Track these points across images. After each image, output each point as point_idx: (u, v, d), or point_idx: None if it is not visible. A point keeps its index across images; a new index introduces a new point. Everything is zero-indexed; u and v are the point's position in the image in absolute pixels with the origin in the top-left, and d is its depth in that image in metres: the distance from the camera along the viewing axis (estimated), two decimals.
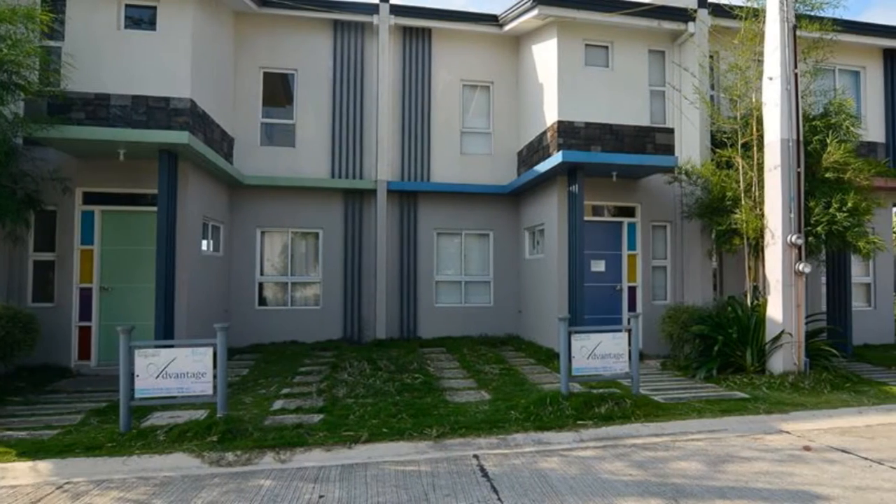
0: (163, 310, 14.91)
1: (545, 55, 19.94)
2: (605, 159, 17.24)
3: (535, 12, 18.71)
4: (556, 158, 16.90)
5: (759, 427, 11.10)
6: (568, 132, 18.87)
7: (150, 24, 16.48)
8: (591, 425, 10.93)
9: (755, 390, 13.70)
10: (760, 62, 16.30)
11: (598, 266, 19.14)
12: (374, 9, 20.92)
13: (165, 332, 14.86)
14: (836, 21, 17.33)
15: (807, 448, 9.81)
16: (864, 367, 16.93)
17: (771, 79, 15.33)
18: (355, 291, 21.10)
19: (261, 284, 20.74)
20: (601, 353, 12.38)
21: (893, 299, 23.22)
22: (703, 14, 19.25)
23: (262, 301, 20.76)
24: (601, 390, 13.00)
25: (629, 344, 12.67)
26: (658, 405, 12.21)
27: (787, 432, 10.80)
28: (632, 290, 19.56)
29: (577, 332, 12.46)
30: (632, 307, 19.44)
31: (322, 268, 21.07)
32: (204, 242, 17.86)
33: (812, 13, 16.75)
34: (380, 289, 20.86)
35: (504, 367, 16.47)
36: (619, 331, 12.69)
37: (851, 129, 16.67)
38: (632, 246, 19.60)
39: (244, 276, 20.40)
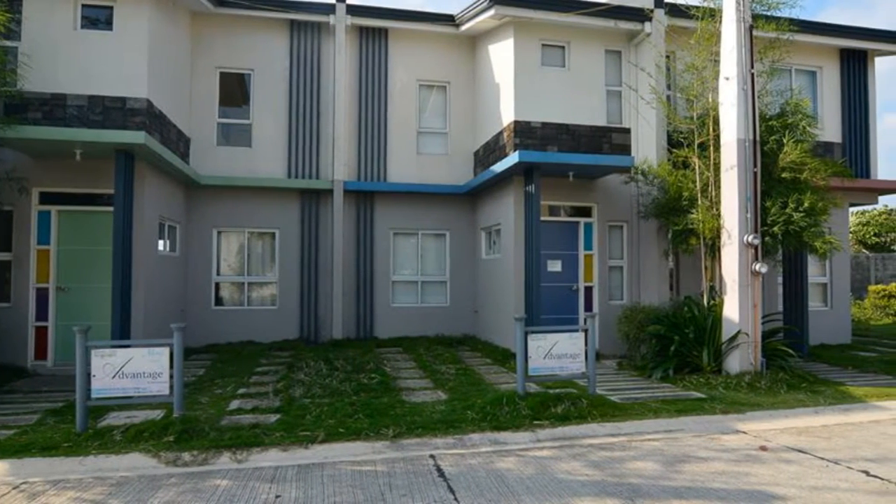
0: (119, 310, 14.80)
1: (502, 55, 19.93)
2: (562, 159, 17.31)
3: (491, 12, 18.67)
4: (513, 158, 16.92)
5: (716, 427, 11.11)
6: (524, 132, 18.86)
7: (107, 24, 16.32)
8: (547, 425, 10.91)
9: (711, 390, 13.74)
10: (717, 62, 16.32)
11: (555, 266, 19.17)
12: (330, 9, 20.83)
13: (122, 332, 14.72)
14: (792, 21, 17.36)
15: (763, 448, 9.83)
16: (821, 368, 17.03)
17: (727, 79, 15.36)
18: (312, 291, 21.02)
19: (217, 284, 20.64)
20: (558, 353, 12.39)
21: (850, 299, 23.40)
22: (659, 14, 19.29)
23: (219, 301, 20.66)
24: (558, 390, 12.98)
25: (585, 344, 12.71)
26: (615, 405, 12.19)
27: (744, 432, 10.82)
28: (588, 290, 19.61)
29: (533, 332, 12.48)
30: (588, 307, 19.48)
31: (279, 268, 20.98)
32: (160, 242, 17.74)
33: (769, 13, 16.82)
34: (336, 289, 20.82)
35: (460, 367, 16.48)
36: (576, 331, 12.70)
37: (808, 129, 16.77)
38: (588, 246, 19.63)
39: (200, 276, 20.30)
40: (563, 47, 19.72)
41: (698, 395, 13.40)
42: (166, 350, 10.55)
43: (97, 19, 16.36)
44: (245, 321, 20.51)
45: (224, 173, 20.37)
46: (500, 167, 18.08)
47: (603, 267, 19.71)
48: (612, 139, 19.79)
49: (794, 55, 19.59)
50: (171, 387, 10.57)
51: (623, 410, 11.90)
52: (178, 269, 19.38)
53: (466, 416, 11.30)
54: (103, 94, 16.00)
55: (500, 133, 19.80)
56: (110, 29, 16.28)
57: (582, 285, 19.55)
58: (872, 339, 23.47)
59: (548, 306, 18.61)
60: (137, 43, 16.27)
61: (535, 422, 11.03)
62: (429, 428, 10.67)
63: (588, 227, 19.70)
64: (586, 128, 19.53)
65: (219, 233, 20.72)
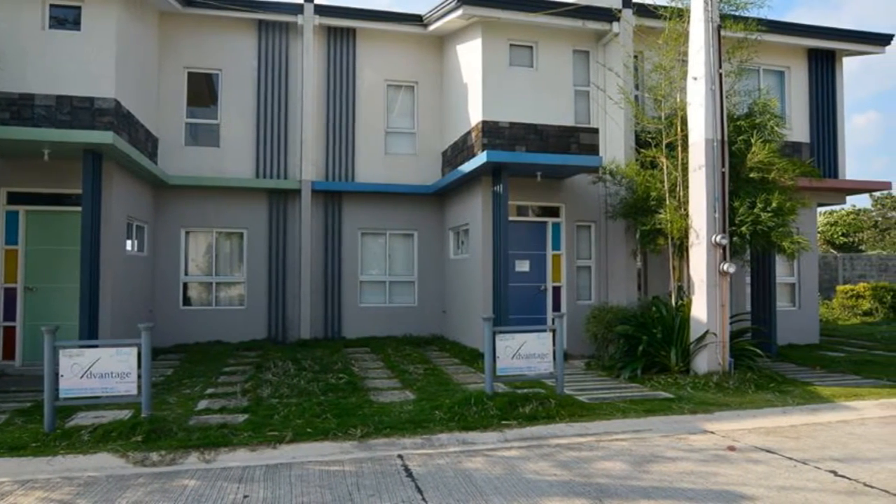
0: (87, 310, 14.78)
1: (470, 55, 19.95)
2: (530, 159, 17.31)
3: (459, 12, 18.63)
4: (481, 158, 16.86)
5: (684, 427, 11.12)
6: (492, 132, 18.90)
7: (75, 24, 16.31)
8: (515, 425, 10.91)
9: (679, 390, 13.76)
10: (685, 62, 16.37)
11: (523, 266, 19.18)
12: (298, 9, 20.79)
13: (90, 332, 14.70)
14: (760, 21, 17.35)
15: (731, 448, 9.84)
16: (789, 367, 17.06)
17: (695, 79, 15.40)
18: (280, 291, 20.98)
19: (185, 284, 20.57)
20: (526, 352, 12.38)
21: (818, 300, 23.52)
22: (627, 14, 19.28)
23: (187, 301, 20.59)
24: (526, 390, 13.04)
25: (554, 344, 12.68)
26: (583, 405, 12.19)
27: (712, 432, 10.82)
28: (556, 290, 19.63)
29: (501, 333, 12.49)
30: (557, 307, 19.48)
31: (247, 268, 20.96)
32: (128, 242, 17.68)
33: (737, 13, 16.92)
34: (304, 289, 20.80)
35: (429, 367, 16.47)
36: (544, 331, 12.72)
37: (776, 129, 16.86)
38: (556, 246, 19.64)
39: (169, 276, 20.22)
40: (531, 47, 19.75)
41: (666, 395, 13.41)
42: (134, 350, 10.50)
43: (65, 19, 16.32)
44: (213, 321, 20.45)
45: (192, 173, 20.27)
46: (468, 167, 18.04)
47: (571, 267, 19.72)
48: (580, 139, 19.86)
49: (762, 55, 19.60)
50: (140, 387, 10.51)
51: (591, 410, 11.90)
52: (146, 269, 19.30)
53: (434, 416, 11.27)
54: (71, 94, 16.00)
55: (469, 133, 19.85)
56: (78, 29, 16.28)
57: (550, 285, 19.55)
58: (840, 339, 23.61)
59: (516, 306, 18.61)
60: (105, 43, 16.25)
61: (504, 422, 11.01)
62: (397, 428, 10.65)
63: (556, 227, 19.69)
64: (554, 128, 19.60)
65: (187, 233, 20.63)
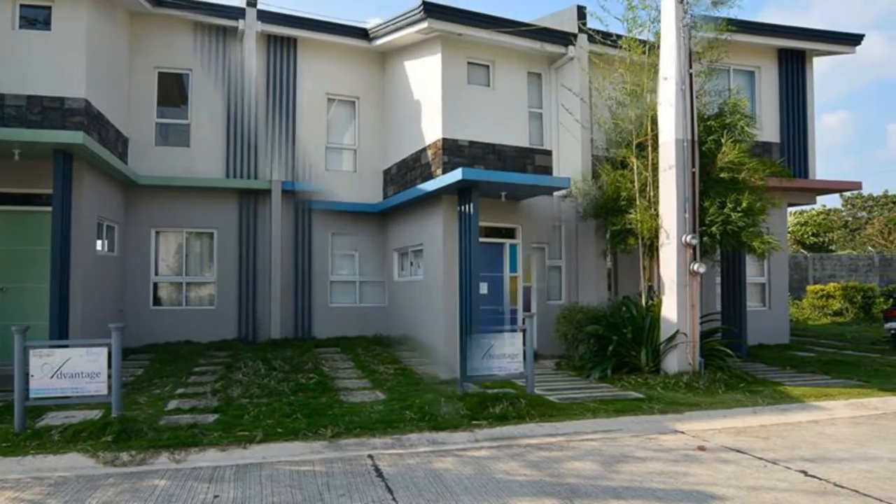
0: (58, 310, 14.67)
1: (423, 71, 19.96)
2: (503, 178, 17.06)
3: (423, 25, 18.40)
4: (454, 176, 16.40)
5: (654, 427, 11.20)
6: (453, 150, 18.84)
7: (45, 23, 16.27)
8: (485, 425, 10.96)
9: (650, 390, 13.85)
10: (654, 69, 16.57)
11: (482, 288, 18.46)
12: (239, 13, 20.59)
13: (60, 333, 14.57)
14: (731, 21, 17.44)
15: (701, 448, 9.90)
16: (759, 367, 17.22)
17: (666, 79, 15.56)
18: (250, 291, 20.89)
19: (155, 284, 20.41)
20: (496, 353, 12.46)
21: (788, 300, 23.63)
22: (582, 39, 19.79)
23: (157, 301, 20.44)
24: (496, 390, 13.10)
25: (524, 344, 12.70)
26: (553, 405, 12.25)
27: (682, 432, 10.91)
28: (527, 290, 19.67)
29: (473, 334, 12.66)
30: (527, 307, 19.50)
31: (217, 268, 20.83)
32: (99, 242, 17.57)
33: (707, 13, 16.89)
34: (274, 288, 20.75)
35: (399, 367, 16.48)
36: (514, 331, 12.83)
37: (746, 129, 16.93)
38: (513, 268, 19.54)
39: (139, 276, 20.04)
40: (487, 66, 19.94)
41: (637, 395, 13.48)
42: (104, 350, 10.51)
43: (35, 19, 16.25)
44: (183, 321, 20.29)
45: (163, 173, 20.09)
46: (432, 185, 17.83)
47: (541, 268, 19.82)
48: (535, 160, 20.20)
49: (732, 55, 19.52)
50: (110, 387, 10.56)
51: (561, 410, 11.96)
52: (116, 269, 19.16)
53: (405, 417, 11.29)
54: (42, 94, 15.96)
55: (423, 151, 19.78)
56: (49, 29, 16.22)
57: (508, 307, 19.34)
58: (810, 339, 23.92)
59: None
60: (76, 43, 16.19)
61: (474, 422, 11.05)
62: (367, 428, 10.67)
63: (513, 248, 19.58)
64: (511, 148, 19.82)
65: (157, 233, 20.47)
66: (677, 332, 14.95)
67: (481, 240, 17.87)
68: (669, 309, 15.23)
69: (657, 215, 15.97)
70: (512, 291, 19.44)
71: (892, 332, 21.39)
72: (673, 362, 15.04)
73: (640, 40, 17.39)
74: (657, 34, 16.67)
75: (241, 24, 20.59)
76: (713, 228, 15.63)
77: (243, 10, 20.62)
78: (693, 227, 15.12)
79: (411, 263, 20.90)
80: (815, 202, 24.57)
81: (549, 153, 20.35)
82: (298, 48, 21.98)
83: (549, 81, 20.65)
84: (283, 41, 21.79)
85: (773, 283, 22.73)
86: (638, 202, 16.70)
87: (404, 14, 19.21)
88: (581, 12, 20.12)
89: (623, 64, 17.55)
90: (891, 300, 22.84)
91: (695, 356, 15.04)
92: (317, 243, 21.77)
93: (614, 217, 17.52)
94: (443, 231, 18.23)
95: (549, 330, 18.56)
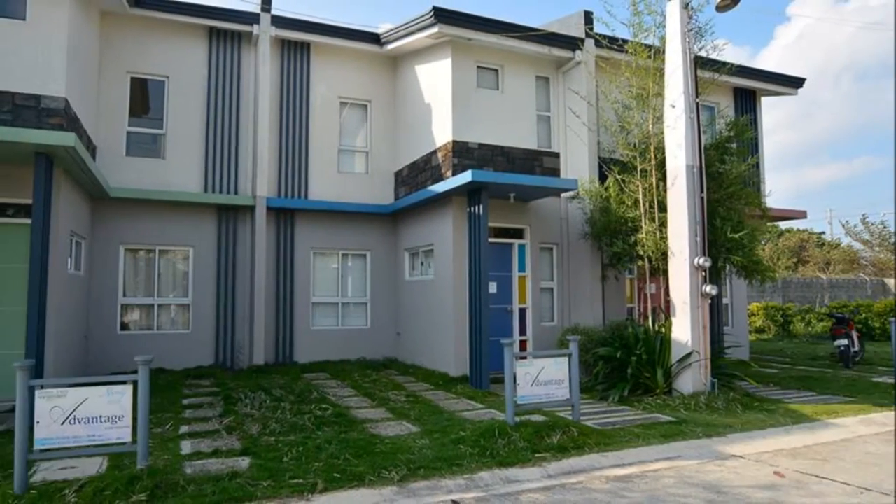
0: (35, 336, 12.95)
1: (434, 75, 20.19)
2: (512, 180, 17.34)
3: (434, 30, 18.72)
4: (464, 177, 16.76)
5: (709, 452, 11.00)
6: (462, 152, 19.06)
7: (19, 11, 15.09)
8: (550, 458, 10.43)
9: (674, 412, 13.80)
10: (659, 73, 17.09)
11: (491, 288, 18.93)
12: (254, 18, 20.42)
13: (37, 363, 12.73)
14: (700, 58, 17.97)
15: (778, 474, 9.72)
16: (745, 385, 17.13)
17: (673, 106, 15.94)
18: (228, 314, 20.22)
19: (123, 307, 19.44)
20: (544, 379, 12.15)
21: (747, 319, 24.79)
22: (589, 44, 20.29)
23: (124, 325, 19.44)
24: (540, 418, 12.71)
25: (570, 369, 12.45)
26: (601, 433, 11.94)
27: (741, 456, 10.75)
28: (522, 312, 19.73)
29: (521, 358, 12.34)
30: (522, 329, 19.63)
31: (192, 288, 20.08)
32: (68, 260, 16.25)
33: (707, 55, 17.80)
34: (257, 311, 20.13)
35: (408, 395, 15.97)
36: (562, 356, 12.56)
37: (736, 162, 18.17)
38: (522, 268, 19.78)
39: (105, 297, 19.02)
40: (496, 70, 20.14)
41: (666, 417, 13.37)
42: (128, 389, 8.86)
43: (5, 4, 15.05)
44: (155, 347, 19.01)
45: (134, 185, 19.28)
46: (442, 187, 18.09)
47: (535, 288, 19.90)
48: (543, 162, 20.40)
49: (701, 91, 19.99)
50: (134, 431, 8.92)
51: (610, 438, 11.67)
52: (81, 290, 17.89)
53: (463, 452, 10.51)
54: (13, 91, 14.78)
55: (433, 153, 19.92)
56: (23, 18, 15.06)
57: (517, 307, 19.62)
58: (756, 357, 24.84)
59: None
60: (55, 35, 15.18)
61: (536, 455, 10.56)
62: (430, 467, 9.75)
63: (522, 248, 19.84)
64: (520, 150, 20.01)
65: (126, 250, 19.61)
66: (692, 352, 15.11)
67: (490, 240, 18.32)
68: (681, 330, 15.41)
69: (664, 238, 16.31)
70: (521, 290, 19.75)
71: (841, 348, 22.35)
72: (687, 383, 15.20)
73: (645, 45, 17.81)
74: (662, 38, 17.04)
75: (255, 28, 20.40)
76: (733, 256, 16.57)
77: (257, 15, 20.42)
78: (703, 250, 15.41)
79: (422, 263, 21.07)
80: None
81: (556, 155, 20.65)
82: (312, 53, 21.90)
83: (556, 85, 21.02)
84: (297, 46, 21.71)
85: (734, 302, 23.71)
86: (645, 225, 17.02)
87: (415, 19, 19.43)
88: (588, 17, 20.57)
89: (629, 68, 17.97)
90: (833, 320, 23.62)
91: (708, 376, 15.28)
92: (299, 263, 21.35)
93: (616, 238, 17.96)
94: (453, 231, 18.58)
95: (545, 349, 18.63)
